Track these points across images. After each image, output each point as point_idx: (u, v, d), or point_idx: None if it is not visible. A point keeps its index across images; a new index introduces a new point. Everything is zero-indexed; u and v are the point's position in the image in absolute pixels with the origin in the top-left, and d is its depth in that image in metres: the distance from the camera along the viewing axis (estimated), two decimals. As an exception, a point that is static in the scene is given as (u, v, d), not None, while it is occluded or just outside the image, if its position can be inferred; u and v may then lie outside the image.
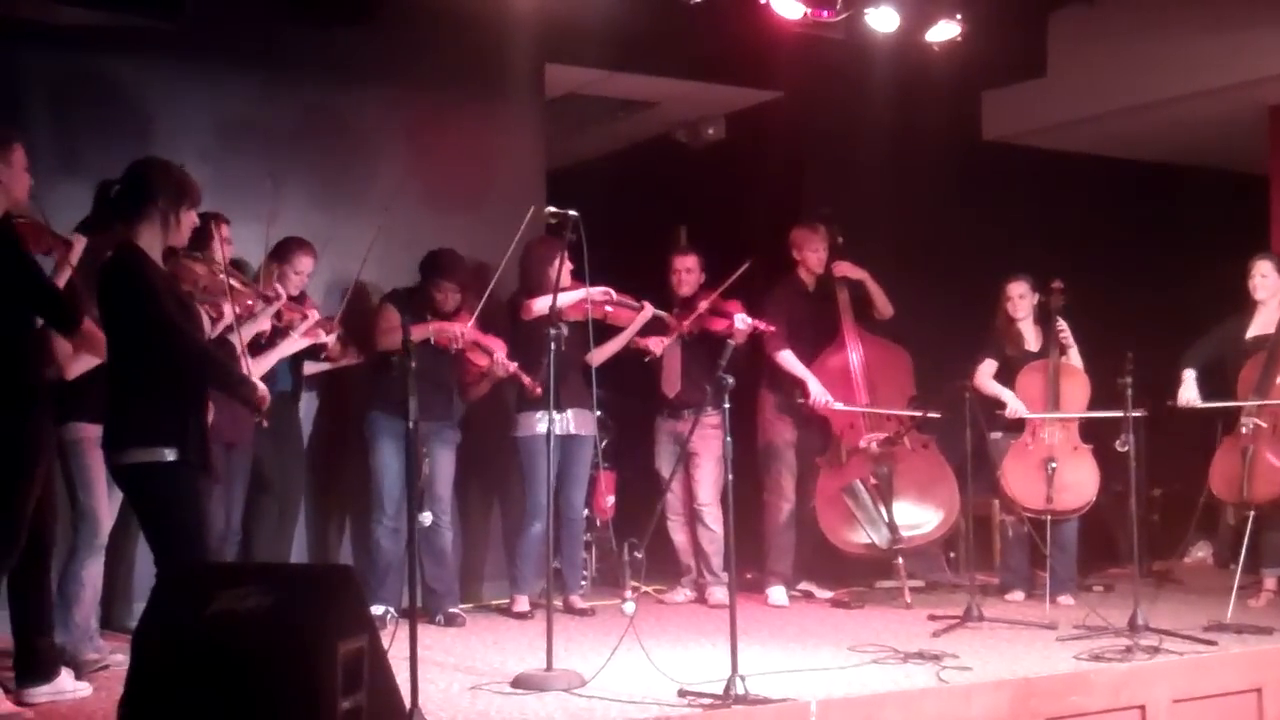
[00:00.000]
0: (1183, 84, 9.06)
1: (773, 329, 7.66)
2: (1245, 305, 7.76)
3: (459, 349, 7.06)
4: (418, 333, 6.82)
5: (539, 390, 6.96)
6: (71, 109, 6.90)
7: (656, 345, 7.73)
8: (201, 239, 5.64)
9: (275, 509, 6.87)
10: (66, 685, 5.20)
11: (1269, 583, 7.56)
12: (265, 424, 5.15)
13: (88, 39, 6.93)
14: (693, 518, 7.87)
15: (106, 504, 5.77)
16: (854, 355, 7.94)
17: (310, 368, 7.09)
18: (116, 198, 4.91)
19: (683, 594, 7.94)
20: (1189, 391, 7.65)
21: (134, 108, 7.07)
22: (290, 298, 6.76)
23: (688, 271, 7.90)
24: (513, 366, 7.12)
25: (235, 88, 7.42)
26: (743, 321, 7.53)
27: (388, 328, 6.99)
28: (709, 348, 7.38)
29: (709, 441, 7.55)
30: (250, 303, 6.14)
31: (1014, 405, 7.68)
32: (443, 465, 7.19)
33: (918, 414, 7.69)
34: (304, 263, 6.86)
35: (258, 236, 6.80)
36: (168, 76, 7.19)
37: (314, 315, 6.64)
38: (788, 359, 7.82)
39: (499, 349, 7.16)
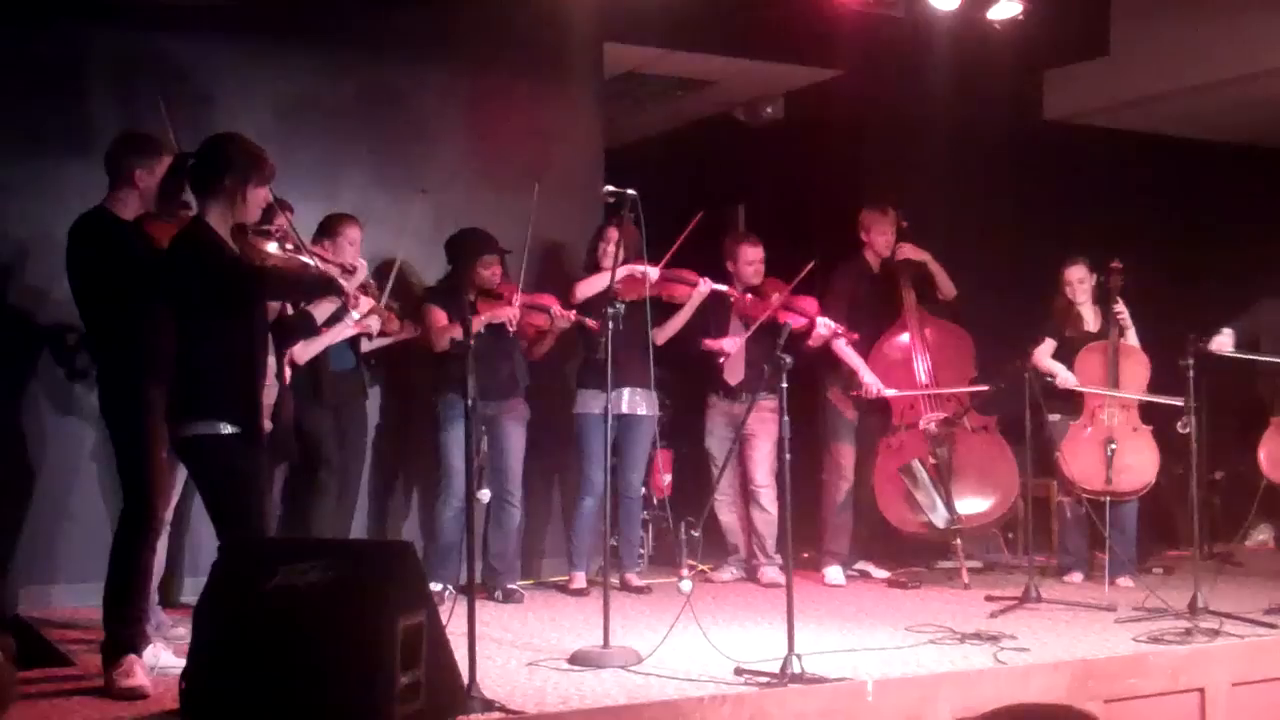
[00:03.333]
0: (1249, 62, 8.93)
1: (855, 337, 7.67)
2: None
3: (518, 321, 7.06)
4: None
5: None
6: (132, 87, 6.90)
7: (731, 346, 7.67)
8: (268, 217, 5.64)
9: (336, 486, 6.90)
10: (136, 672, 4.93)
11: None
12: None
13: (149, 17, 6.98)
14: (740, 498, 7.86)
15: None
16: (916, 337, 7.90)
17: (368, 344, 7.11)
18: (191, 172, 4.94)
19: (729, 572, 7.93)
20: (1221, 338, 7.51)
21: (194, 86, 7.11)
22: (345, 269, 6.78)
23: (761, 263, 7.79)
24: (573, 315, 7.15)
25: (295, 66, 7.45)
26: (825, 327, 7.55)
27: (439, 327, 7.02)
28: (775, 338, 7.20)
29: (766, 424, 7.51)
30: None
31: (1064, 376, 7.64)
32: (513, 443, 7.19)
33: (970, 389, 7.69)
34: (353, 233, 6.84)
35: (317, 215, 6.84)
36: (228, 55, 7.23)
37: (369, 301, 6.54)
38: (841, 346, 7.80)
39: (553, 303, 7.19)
